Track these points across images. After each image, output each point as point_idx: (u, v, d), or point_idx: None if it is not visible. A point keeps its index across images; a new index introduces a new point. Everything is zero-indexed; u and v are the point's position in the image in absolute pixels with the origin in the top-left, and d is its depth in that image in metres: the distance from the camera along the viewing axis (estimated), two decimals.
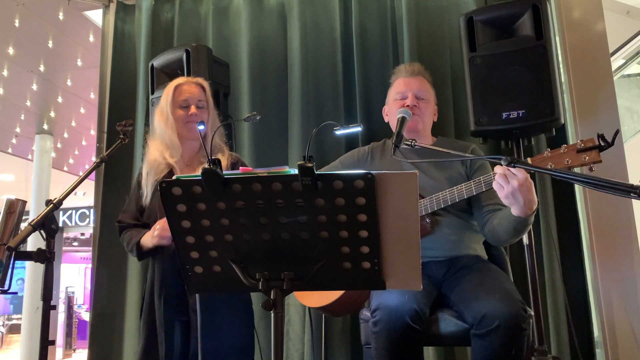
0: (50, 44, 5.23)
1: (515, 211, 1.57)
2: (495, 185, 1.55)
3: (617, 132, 1.37)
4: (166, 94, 2.00)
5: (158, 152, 1.97)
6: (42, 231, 1.69)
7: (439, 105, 2.20)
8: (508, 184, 1.50)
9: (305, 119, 2.72)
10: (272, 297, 1.09)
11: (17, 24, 4.79)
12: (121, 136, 1.99)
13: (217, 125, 2.01)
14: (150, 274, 1.97)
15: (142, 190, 1.97)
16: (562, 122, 2.12)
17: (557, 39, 2.54)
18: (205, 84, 2.05)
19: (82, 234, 13.77)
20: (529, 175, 1.51)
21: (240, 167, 1.81)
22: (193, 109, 1.96)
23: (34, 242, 1.81)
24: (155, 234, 1.81)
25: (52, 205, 1.71)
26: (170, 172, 1.95)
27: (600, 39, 2.54)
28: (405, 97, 1.99)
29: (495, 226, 1.75)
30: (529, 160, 1.57)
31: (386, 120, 2.12)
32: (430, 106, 2.04)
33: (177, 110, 1.98)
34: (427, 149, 1.72)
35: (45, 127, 7.81)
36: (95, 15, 4.61)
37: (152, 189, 1.94)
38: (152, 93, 2.69)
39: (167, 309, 1.84)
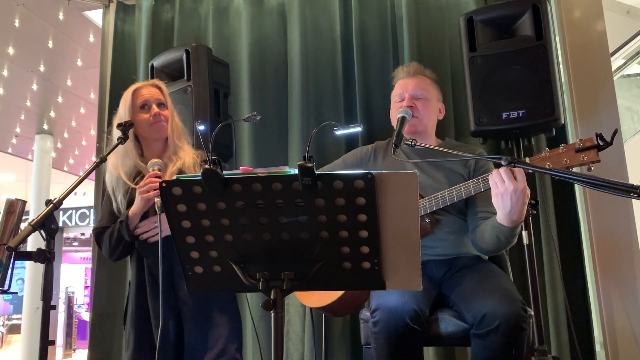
0: (50, 44, 5.23)
1: (499, 216, 1.58)
2: (490, 181, 1.55)
3: (616, 131, 1.37)
4: (124, 100, 1.98)
5: (115, 168, 1.96)
6: (42, 231, 1.69)
7: None
8: (504, 183, 1.50)
9: (305, 119, 2.72)
10: (272, 297, 1.09)
11: (17, 24, 4.80)
12: (121, 136, 1.98)
13: (178, 125, 2.01)
14: (133, 276, 1.93)
15: (112, 199, 1.94)
16: (562, 122, 2.12)
17: (557, 39, 2.54)
18: (162, 84, 2.05)
19: (82, 234, 13.77)
20: (528, 189, 1.50)
21: (240, 168, 1.81)
22: (155, 108, 1.96)
23: (34, 242, 1.81)
24: (140, 192, 1.80)
25: (52, 205, 1.70)
26: (142, 176, 1.92)
27: (600, 39, 2.54)
28: (403, 98, 1.99)
29: (481, 231, 1.75)
30: (527, 160, 1.57)
31: (393, 124, 2.11)
32: (431, 104, 2.01)
33: (139, 114, 1.96)
34: (429, 150, 1.71)
35: (45, 127, 7.82)
36: (95, 15, 4.62)
37: (124, 196, 1.92)
38: None
39: (157, 306, 1.82)
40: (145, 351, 1.83)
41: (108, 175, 1.98)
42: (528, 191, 1.52)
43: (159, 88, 2.03)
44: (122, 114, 1.97)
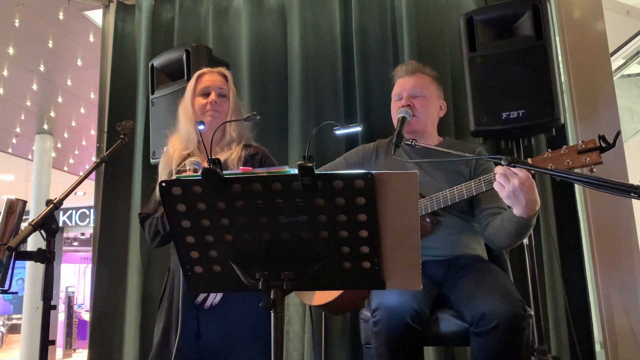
0: (50, 44, 5.23)
1: (517, 211, 1.57)
2: (496, 185, 1.55)
3: (619, 133, 1.37)
4: (189, 85, 2.01)
5: (173, 149, 1.97)
6: (42, 231, 1.69)
7: None
8: (509, 182, 1.50)
9: (305, 119, 2.72)
10: (272, 297, 1.09)
11: (17, 24, 4.80)
12: (121, 136, 1.99)
13: (239, 116, 1.97)
14: (173, 264, 1.94)
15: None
16: (562, 122, 2.12)
17: (557, 39, 2.54)
18: (228, 73, 2.04)
19: (82, 234, 13.78)
20: (530, 174, 1.51)
21: (240, 167, 1.80)
22: (213, 96, 1.95)
23: (34, 242, 1.81)
24: None
25: (52, 205, 1.71)
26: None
27: (600, 39, 2.54)
28: (402, 97, 1.98)
29: (496, 228, 1.74)
30: (529, 161, 1.57)
31: (394, 123, 2.10)
32: (430, 102, 1.99)
33: (198, 99, 1.97)
34: (430, 149, 1.71)
35: (45, 127, 7.82)
36: (95, 15, 4.61)
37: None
38: (152, 93, 2.69)
39: (186, 297, 1.81)
40: (173, 340, 1.80)
41: (162, 157, 1.99)
42: (531, 180, 1.51)
43: (225, 77, 2.02)
44: (186, 98, 1.99)
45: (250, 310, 1.83)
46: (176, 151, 1.97)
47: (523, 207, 1.54)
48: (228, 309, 1.83)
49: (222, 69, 2.05)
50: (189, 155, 1.97)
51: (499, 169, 1.53)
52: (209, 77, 1.99)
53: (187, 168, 1.81)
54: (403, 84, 2.01)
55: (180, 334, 1.76)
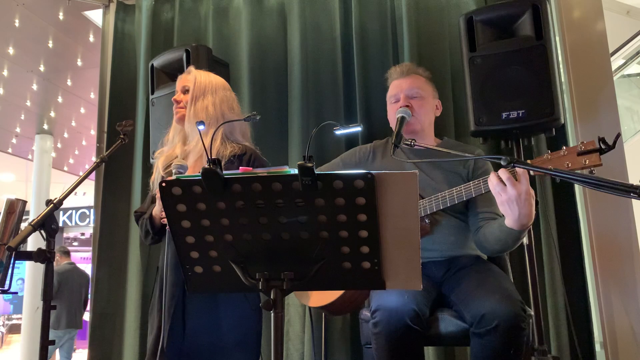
0: (50, 44, 5.23)
1: (508, 222, 1.56)
2: (493, 190, 1.53)
3: (619, 135, 1.36)
4: None
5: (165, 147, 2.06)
6: (42, 231, 1.69)
7: None
8: (506, 190, 1.48)
9: (305, 119, 2.72)
10: (272, 297, 1.09)
11: (17, 24, 4.80)
12: (121, 136, 1.99)
13: (200, 110, 1.97)
14: (161, 262, 1.94)
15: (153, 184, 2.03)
16: (562, 122, 2.12)
17: (557, 39, 2.54)
18: (192, 68, 2.07)
19: (82, 234, 13.78)
20: (531, 189, 1.49)
21: (240, 167, 1.80)
22: (176, 95, 2.02)
23: (34, 242, 1.81)
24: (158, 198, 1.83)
25: (52, 205, 1.71)
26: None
27: (600, 39, 2.54)
28: (398, 99, 1.99)
29: (486, 233, 1.74)
30: (529, 162, 1.56)
31: (391, 125, 2.10)
32: (427, 102, 2.00)
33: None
34: (429, 149, 1.71)
35: (45, 127, 7.82)
36: (95, 15, 4.62)
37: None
38: (152, 93, 2.69)
39: (172, 298, 1.81)
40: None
41: (161, 156, 2.03)
42: (532, 191, 1.50)
43: (189, 73, 2.06)
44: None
45: (238, 314, 1.84)
46: (168, 151, 2.02)
47: (515, 219, 1.52)
48: (216, 311, 1.82)
49: (190, 67, 2.10)
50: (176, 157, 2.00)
51: (502, 174, 1.50)
52: (182, 78, 2.07)
53: (173, 172, 1.82)
54: (399, 85, 2.01)
55: (166, 336, 1.74)
